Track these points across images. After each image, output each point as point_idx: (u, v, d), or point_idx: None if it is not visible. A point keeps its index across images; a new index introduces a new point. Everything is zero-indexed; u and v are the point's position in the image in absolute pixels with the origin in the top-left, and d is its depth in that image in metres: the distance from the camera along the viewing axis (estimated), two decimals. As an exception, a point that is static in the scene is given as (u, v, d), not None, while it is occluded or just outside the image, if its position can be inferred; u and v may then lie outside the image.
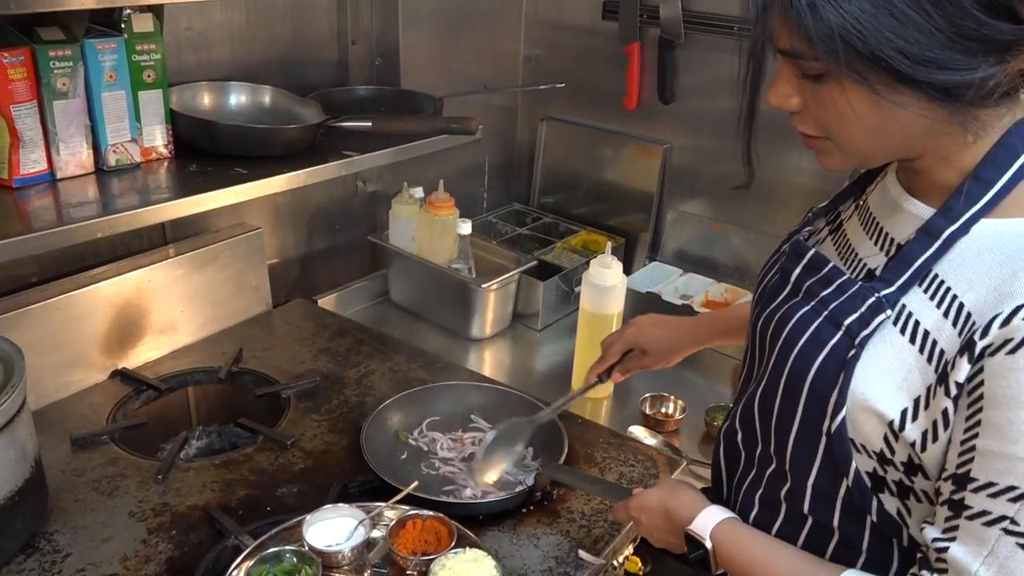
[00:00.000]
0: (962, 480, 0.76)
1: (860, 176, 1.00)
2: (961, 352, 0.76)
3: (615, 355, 1.41)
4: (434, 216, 1.90)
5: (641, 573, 1.52)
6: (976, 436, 0.75)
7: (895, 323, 0.82)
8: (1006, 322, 0.73)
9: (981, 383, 0.75)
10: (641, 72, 2.07)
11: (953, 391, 0.76)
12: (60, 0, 1.07)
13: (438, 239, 1.91)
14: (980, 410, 0.75)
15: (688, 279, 2.04)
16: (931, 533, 0.79)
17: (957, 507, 0.77)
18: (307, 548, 1.11)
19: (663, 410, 1.66)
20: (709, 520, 0.95)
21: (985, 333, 0.74)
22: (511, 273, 1.89)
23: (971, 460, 0.75)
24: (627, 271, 1.74)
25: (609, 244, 1.71)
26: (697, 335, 1.37)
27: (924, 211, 0.84)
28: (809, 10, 0.73)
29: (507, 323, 1.96)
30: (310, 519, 1.15)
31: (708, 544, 0.94)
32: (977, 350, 0.75)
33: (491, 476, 1.36)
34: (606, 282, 1.62)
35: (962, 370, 0.76)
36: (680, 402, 1.65)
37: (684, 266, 2.09)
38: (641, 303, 1.90)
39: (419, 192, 1.92)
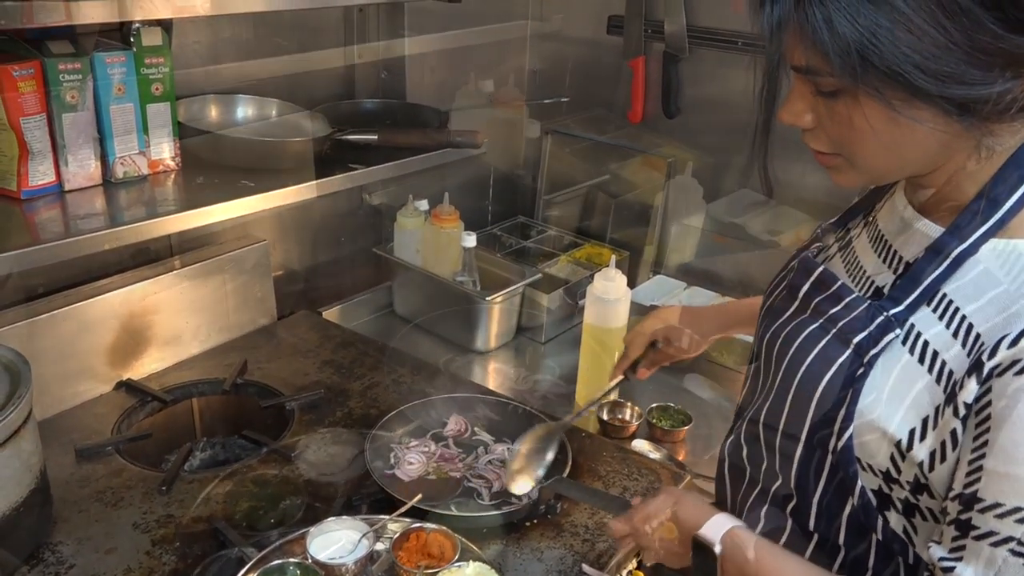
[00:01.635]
0: (969, 500, 0.76)
1: (870, 192, 1.00)
2: (969, 372, 0.76)
3: (639, 348, 1.40)
4: (439, 229, 1.90)
5: (645, 588, 1.51)
6: (983, 456, 0.75)
7: (904, 342, 0.82)
8: (1014, 343, 0.73)
9: (989, 403, 0.74)
10: (646, 86, 2.08)
11: (962, 411, 0.76)
12: (69, 14, 1.08)
13: (443, 252, 1.91)
14: (988, 430, 0.75)
15: (692, 292, 2.04)
16: (938, 552, 0.79)
17: (964, 527, 0.76)
18: (311, 561, 1.11)
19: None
20: (719, 526, 0.94)
21: (993, 353, 0.74)
22: (515, 286, 1.89)
23: (978, 480, 0.75)
24: (631, 284, 1.74)
25: (613, 257, 1.72)
26: (720, 321, 1.37)
27: (933, 230, 0.84)
28: (825, 25, 0.72)
29: (511, 336, 1.96)
30: (314, 531, 1.15)
31: (717, 549, 0.93)
32: (985, 370, 0.75)
33: (522, 486, 1.29)
34: (610, 295, 1.62)
35: (970, 390, 0.76)
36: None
37: (688, 279, 2.09)
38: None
39: (424, 205, 1.93)
